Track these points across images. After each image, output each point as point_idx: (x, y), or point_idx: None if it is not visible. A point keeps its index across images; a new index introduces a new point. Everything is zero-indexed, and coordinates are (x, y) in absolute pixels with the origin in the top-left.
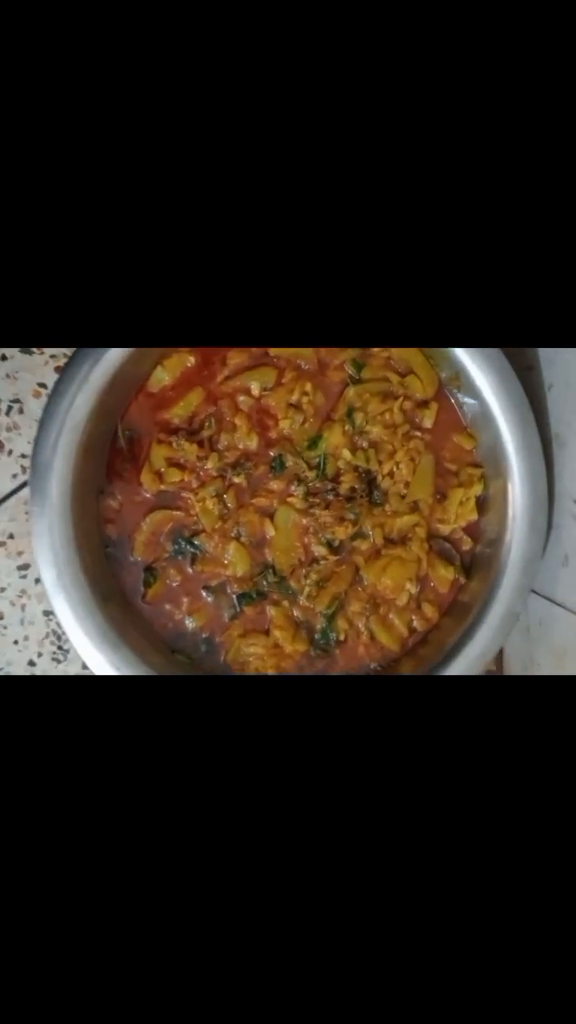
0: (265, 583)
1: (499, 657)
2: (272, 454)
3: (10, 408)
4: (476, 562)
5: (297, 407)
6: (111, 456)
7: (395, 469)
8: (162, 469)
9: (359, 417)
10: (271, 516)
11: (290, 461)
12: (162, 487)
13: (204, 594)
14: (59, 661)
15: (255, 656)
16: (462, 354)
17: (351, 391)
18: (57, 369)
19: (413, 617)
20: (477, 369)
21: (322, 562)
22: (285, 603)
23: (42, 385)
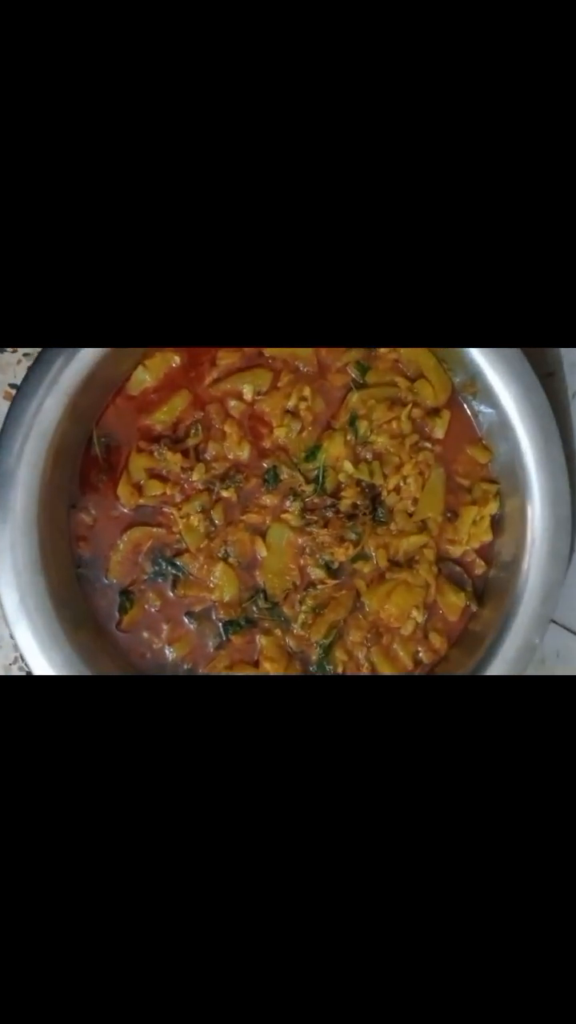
0: (255, 609)
1: None
2: (265, 466)
3: None
4: (490, 588)
5: (294, 414)
6: (84, 466)
7: (402, 484)
8: (142, 481)
9: (363, 426)
10: (263, 535)
11: (285, 474)
12: (141, 501)
13: (187, 621)
14: None
15: None
16: (478, 356)
17: (354, 397)
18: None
19: (419, 648)
20: (495, 374)
21: (319, 586)
22: (277, 632)
23: (13, 386)
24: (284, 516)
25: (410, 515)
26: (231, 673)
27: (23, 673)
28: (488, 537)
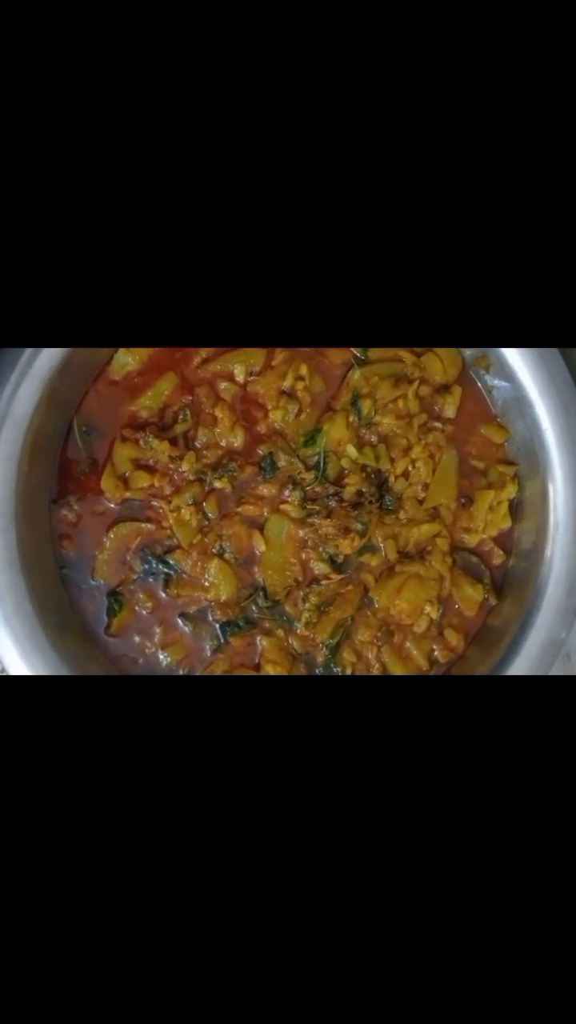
0: (254, 609)
1: None
2: (261, 452)
3: None
4: (509, 579)
5: (290, 395)
6: (64, 458)
7: (411, 468)
8: (127, 473)
9: (366, 406)
10: (261, 528)
11: (283, 461)
12: (128, 495)
13: (181, 623)
14: None
15: None
16: None
17: (356, 374)
18: None
19: (434, 646)
20: None
21: (323, 582)
22: (279, 632)
23: None
24: (283, 507)
25: (420, 502)
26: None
27: None
28: (506, 524)
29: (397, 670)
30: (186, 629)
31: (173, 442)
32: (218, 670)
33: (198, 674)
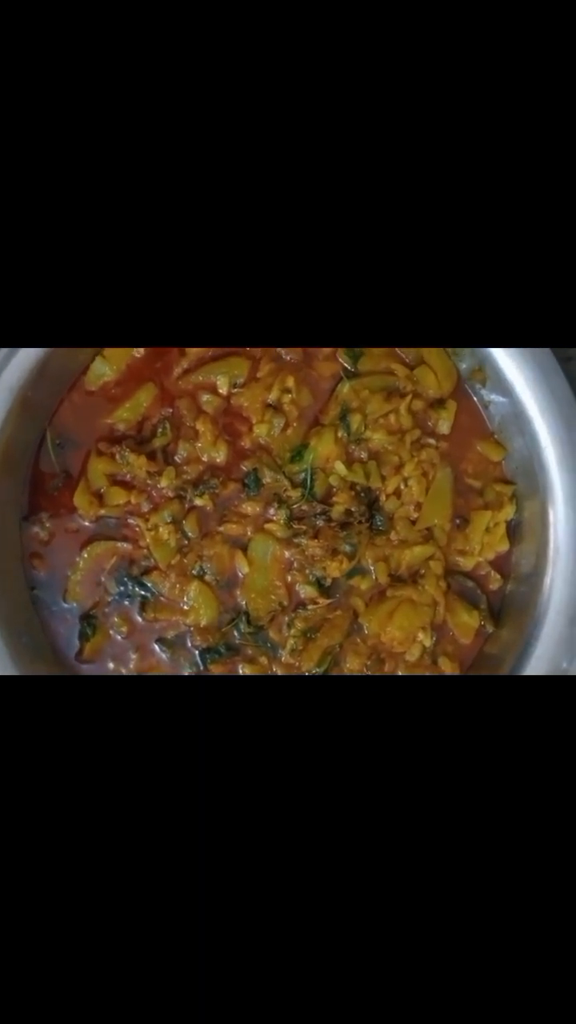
0: (236, 635)
1: None
2: (245, 469)
3: None
4: (507, 605)
5: (276, 408)
6: (36, 472)
7: (403, 487)
8: (103, 488)
9: (356, 421)
10: (244, 548)
11: (268, 477)
12: (103, 512)
13: (158, 649)
14: None
15: None
16: None
17: (345, 387)
18: None
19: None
20: (507, 358)
21: (310, 607)
22: (263, 660)
23: None
24: (268, 526)
25: (413, 523)
26: None
27: None
28: (504, 546)
29: None
30: (163, 656)
31: (151, 457)
32: None
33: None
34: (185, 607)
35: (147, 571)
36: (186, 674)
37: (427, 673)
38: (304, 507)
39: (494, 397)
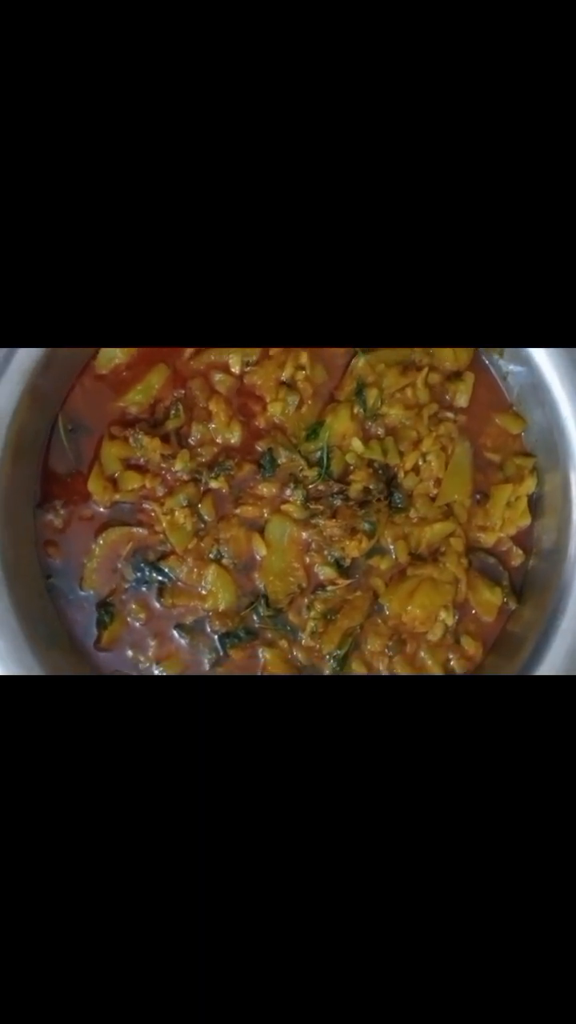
0: (256, 618)
1: None
2: (260, 449)
3: None
4: (530, 581)
5: (290, 386)
6: (49, 458)
7: (421, 463)
8: (117, 473)
9: (372, 396)
10: (261, 530)
11: (283, 457)
12: (117, 497)
13: (177, 635)
14: None
15: None
16: None
17: (360, 362)
18: None
19: (450, 656)
20: None
21: (329, 588)
22: (283, 643)
23: None
24: (284, 507)
25: (432, 499)
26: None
27: None
28: (525, 521)
29: None
30: (182, 641)
31: (165, 439)
32: None
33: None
34: (203, 592)
35: (164, 556)
36: (205, 660)
37: (450, 654)
38: (321, 487)
39: (512, 368)
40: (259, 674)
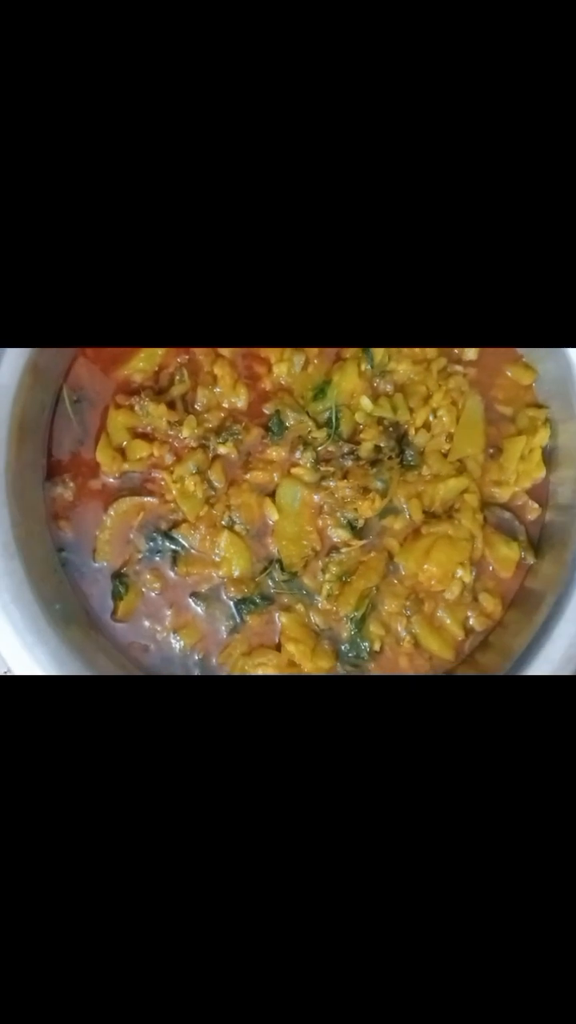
0: (271, 583)
1: None
2: (267, 412)
3: None
4: (547, 535)
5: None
6: (55, 431)
7: (432, 419)
8: (124, 443)
9: (379, 352)
10: (272, 495)
11: (291, 419)
12: (126, 467)
13: (193, 604)
14: None
15: None
16: None
17: None
18: None
19: (469, 613)
20: None
21: (344, 550)
22: (299, 607)
23: None
24: (295, 471)
25: (445, 455)
26: (250, 659)
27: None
28: (540, 473)
29: (430, 641)
30: (199, 610)
31: (171, 406)
32: (236, 652)
33: (215, 657)
34: (217, 559)
35: (176, 525)
36: (222, 627)
37: (469, 612)
38: (331, 448)
39: None
40: (277, 641)
